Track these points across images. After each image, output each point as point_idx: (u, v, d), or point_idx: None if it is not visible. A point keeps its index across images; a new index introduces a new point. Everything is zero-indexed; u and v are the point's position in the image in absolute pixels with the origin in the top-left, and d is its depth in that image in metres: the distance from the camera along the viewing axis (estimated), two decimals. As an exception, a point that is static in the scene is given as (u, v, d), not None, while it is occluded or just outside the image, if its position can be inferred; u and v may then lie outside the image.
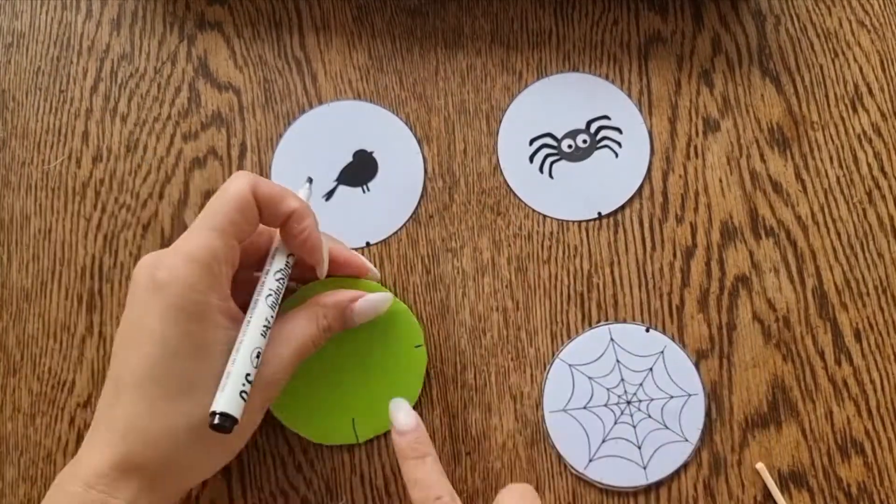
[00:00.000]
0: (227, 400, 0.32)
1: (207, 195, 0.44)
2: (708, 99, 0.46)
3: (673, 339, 0.42)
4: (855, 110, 0.46)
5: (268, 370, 0.35)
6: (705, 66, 0.46)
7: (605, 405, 0.41)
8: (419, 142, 0.45)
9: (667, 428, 0.41)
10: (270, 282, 0.36)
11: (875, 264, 0.44)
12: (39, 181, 0.45)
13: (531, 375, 0.43)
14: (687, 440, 0.41)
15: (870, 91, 0.46)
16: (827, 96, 0.46)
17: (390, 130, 0.45)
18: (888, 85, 0.46)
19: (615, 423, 0.41)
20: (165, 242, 0.44)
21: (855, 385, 0.43)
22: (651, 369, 0.42)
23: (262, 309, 0.35)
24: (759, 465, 0.41)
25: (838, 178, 0.45)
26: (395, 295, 0.43)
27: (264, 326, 0.35)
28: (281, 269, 0.37)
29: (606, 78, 0.46)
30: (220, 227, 0.34)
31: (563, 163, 0.45)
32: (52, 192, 0.45)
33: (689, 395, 0.41)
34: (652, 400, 0.41)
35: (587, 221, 0.44)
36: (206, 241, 0.33)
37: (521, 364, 0.43)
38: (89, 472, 0.32)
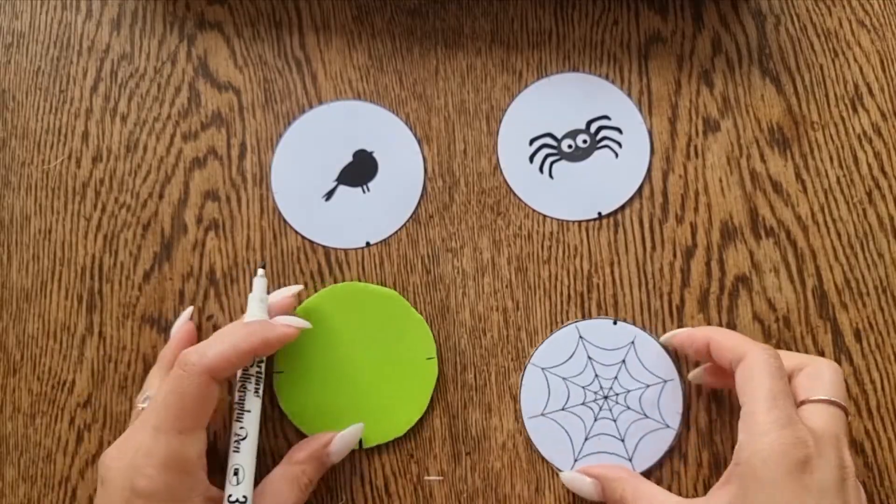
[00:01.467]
0: None
1: (207, 195, 0.44)
2: (708, 99, 0.46)
3: (644, 328, 0.42)
4: (855, 110, 0.46)
5: None
6: (705, 66, 0.46)
7: (583, 403, 0.41)
8: (419, 142, 0.45)
9: (647, 417, 0.41)
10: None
11: (875, 264, 0.44)
12: (39, 181, 0.45)
13: (531, 375, 0.43)
14: (668, 426, 0.41)
15: (870, 91, 0.46)
16: (827, 96, 0.46)
17: (390, 130, 0.45)
18: (888, 85, 0.46)
19: (595, 419, 0.41)
20: (165, 242, 0.44)
21: (855, 385, 0.43)
22: (624, 361, 0.41)
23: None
24: (759, 465, 0.41)
25: (838, 178, 0.45)
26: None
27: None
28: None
29: (606, 78, 0.46)
30: (186, 427, 0.35)
31: (563, 163, 0.45)
32: (52, 192, 0.45)
33: (665, 381, 0.41)
34: (629, 391, 0.41)
35: (587, 221, 0.44)
36: (177, 448, 0.34)
37: (521, 364, 0.43)
38: None
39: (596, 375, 0.41)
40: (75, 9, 0.47)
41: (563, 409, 0.41)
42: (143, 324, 0.43)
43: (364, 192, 0.45)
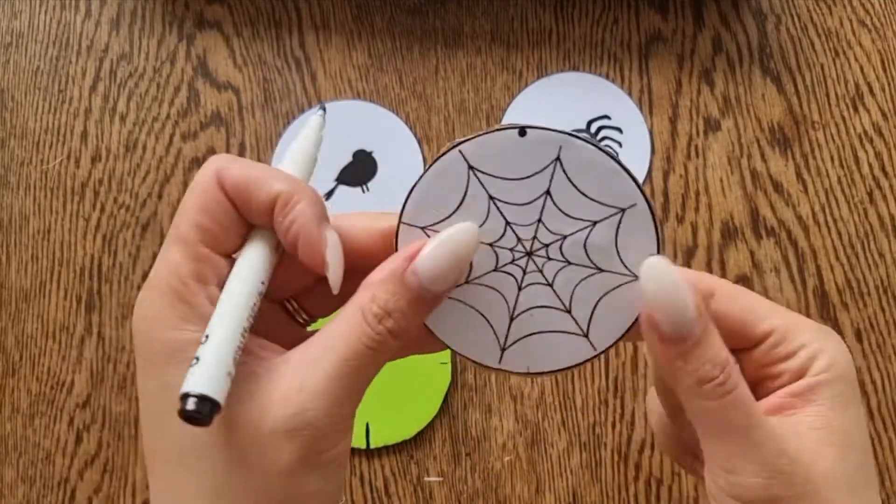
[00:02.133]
0: (202, 377, 0.22)
1: (207, 195, 0.44)
2: (709, 98, 0.45)
3: (571, 134, 0.25)
4: (856, 110, 0.45)
5: (295, 404, 0.23)
6: (706, 66, 0.46)
7: (496, 269, 0.26)
8: (419, 141, 0.45)
9: (599, 269, 0.26)
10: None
11: (876, 264, 0.44)
12: (38, 181, 0.45)
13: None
14: (636, 276, 0.25)
15: (871, 90, 0.46)
16: (828, 96, 0.46)
17: (390, 130, 0.45)
18: (889, 84, 0.46)
19: (519, 289, 0.27)
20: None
21: (856, 385, 0.42)
22: (549, 193, 0.25)
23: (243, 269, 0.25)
24: (760, 466, 0.41)
25: (839, 178, 0.45)
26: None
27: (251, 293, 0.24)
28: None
29: (607, 77, 0.46)
30: (182, 236, 0.25)
31: (563, 162, 0.45)
32: (51, 192, 0.45)
33: (623, 210, 0.25)
34: (564, 237, 0.26)
35: (587, 221, 0.44)
36: (165, 260, 0.25)
37: (521, 364, 0.43)
38: None
39: (507, 223, 0.26)
40: (74, 8, 0.46)
41: (469, 283, 0.26)
42: (142, 324, 0.43)
43: (364, 191, 0.45)
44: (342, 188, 0.45)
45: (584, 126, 0.45)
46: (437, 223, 0.26)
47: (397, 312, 0.23)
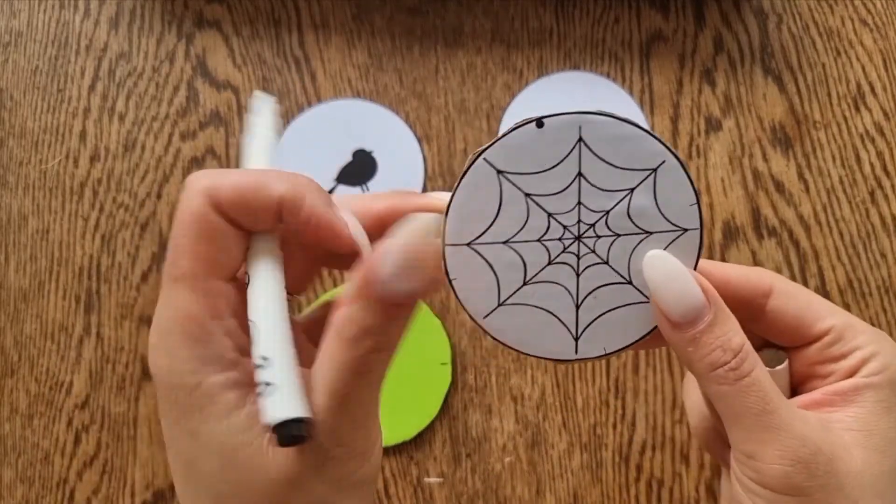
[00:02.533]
0: (287, 401, 0.22)
1: (206, 195, 0.44)
2: (710, 98, 0.45)
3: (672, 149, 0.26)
4: (857, 109, 0.45)
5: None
6: (707, 65, 0.46)
7: (550, 262, 0.26)
8: (419, 141, 0.45)
9: (648, 233, 0.26)
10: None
11: (878, 264, 0.44)
12: (37, 181, 0.45)
13: (532, 377, 0.42)
14: (685, 229, 0.26)
15: (872, 90, 0.46)
16: (829, 95, 0.45)
17: (390, 129, 0.45)
18: (891, 84, 0.46)
19: (577, 274, 0.26)
20: (163, 242, 0.44)
21: (858, 386, 0.42)
22: (580, 175, 0.25)
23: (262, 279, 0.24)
24: (762, 467, 0.41)
25: (841, 178, 0.44)
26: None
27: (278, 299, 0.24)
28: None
29: (608, 77, 0.46)
30: (184, 273, 0.23)
31: (563, 162, 0.45)
32: (50, 191, 0.44)
33: (654, 170, 0.25)
34: (608, 212, 0.25)
35: (588, 221, 0.44)
36: (172, 303, 0.23)
37: (521, 365, 0.42)
38: None
39: (549, 216, 0.26)
40: (73, 7, 0.46)
41: (526, 285, 0.26)
42: (140, 324, 0.43)
43: (364, 191, 0.44)
44: (342, 188, 0.44)
45: (584, 126, 0.45)
46: (481, 235, 0.25)
47: (374, 327, 0.22)
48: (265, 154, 0.26)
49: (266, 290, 0.24)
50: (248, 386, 0.23)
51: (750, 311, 0.26)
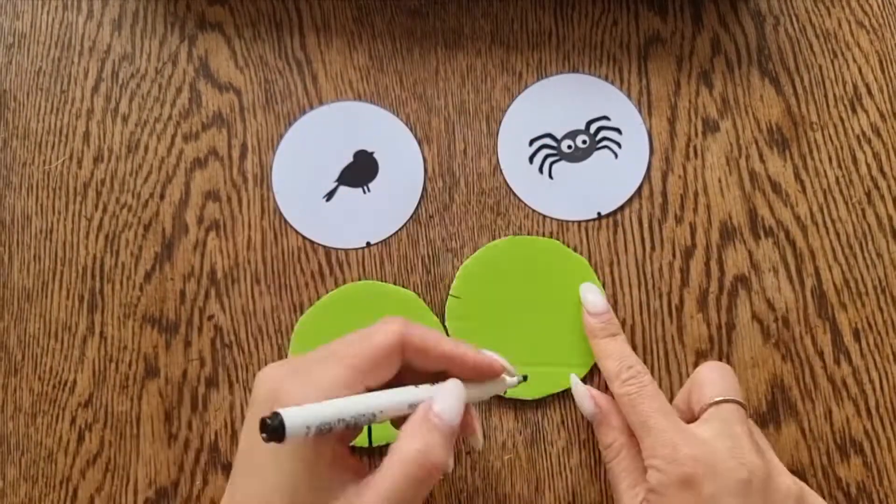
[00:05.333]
0: (294, 410, 0.28)
1: (208, 195, 0.44)
2: (707, 99, 0.46)
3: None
4: (854, 111, 0.46)
5: None
6: (704, 67, 0.46)
7: None
8: (419, 142, 0.45)
9: None
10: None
11: (874, 264, 0.44)
12: (41, 181, 0.45)
13: (531, 375, 0.43)
14: None
15: (869, 92, 0.46)
16: (826, 97, 0.46)
17: (390, 131, 0.45)
18: (887, 86, 0.46)
19: None
20: (166, 242, 0.44)
21: (854, 385, 0.43)
22: None
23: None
24: (759, 465, 0.42)
25: (837, 179, 0.45)
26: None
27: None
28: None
29: (606, 79, 0.46)
30: (355, 365, 0.31)
31: (562, 163, 0.45)
32: (54, 192, 0.45)
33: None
34: None
35: (586, 221, 0.44)
36: (325, 367, 0.31)
37: (520, 364, 0.43)
38: None
39: None
40: (76, 9, 0.47)
41: None
42: (144, 324, 0.43)
43: (364, 192, 0.45)
44: (343, 188, 0.45)
45: (583, 127, 0.45)
46: None
47: (436, 447, 0.31)
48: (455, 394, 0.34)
49: (388, 394, 0.32)
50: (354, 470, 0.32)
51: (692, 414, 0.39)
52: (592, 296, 0.42)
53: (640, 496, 0.36)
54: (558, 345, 0.43)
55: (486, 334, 0.42)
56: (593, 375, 0.42)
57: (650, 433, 0.36)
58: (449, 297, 0.43)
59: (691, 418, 0.38)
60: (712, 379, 0.38)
